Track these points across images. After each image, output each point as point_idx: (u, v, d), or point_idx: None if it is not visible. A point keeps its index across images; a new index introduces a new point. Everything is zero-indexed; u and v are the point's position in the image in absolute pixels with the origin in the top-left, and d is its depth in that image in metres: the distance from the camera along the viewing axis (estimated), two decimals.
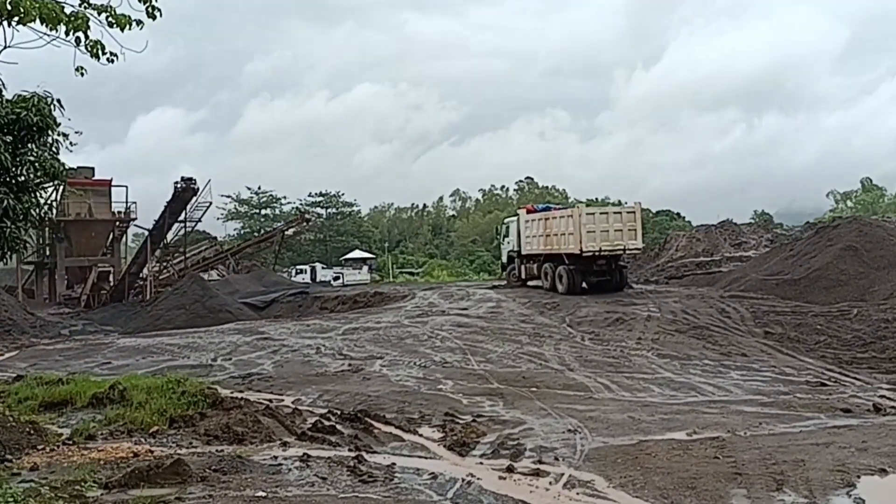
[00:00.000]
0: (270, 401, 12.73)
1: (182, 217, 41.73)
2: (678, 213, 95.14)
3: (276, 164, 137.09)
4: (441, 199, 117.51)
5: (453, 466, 8.55)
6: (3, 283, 46.70)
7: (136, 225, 45.40)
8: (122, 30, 12.15)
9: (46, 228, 45.57)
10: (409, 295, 31.14)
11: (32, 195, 9.88)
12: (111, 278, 43.77)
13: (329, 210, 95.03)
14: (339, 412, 11.40)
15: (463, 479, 7.91)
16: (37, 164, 9.94)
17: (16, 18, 10.92)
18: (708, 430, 9.68)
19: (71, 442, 10.02)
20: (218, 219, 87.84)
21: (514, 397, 12.38)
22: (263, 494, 7.37)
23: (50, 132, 10.07)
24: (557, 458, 8.67)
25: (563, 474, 8.05)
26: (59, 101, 10.02)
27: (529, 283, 31.55)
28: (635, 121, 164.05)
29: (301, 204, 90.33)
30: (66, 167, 10.31)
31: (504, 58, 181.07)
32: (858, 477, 7.38)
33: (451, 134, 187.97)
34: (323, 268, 65.56)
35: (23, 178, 9.80)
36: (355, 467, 8.35)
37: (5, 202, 9.03)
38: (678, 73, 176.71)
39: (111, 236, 45.79)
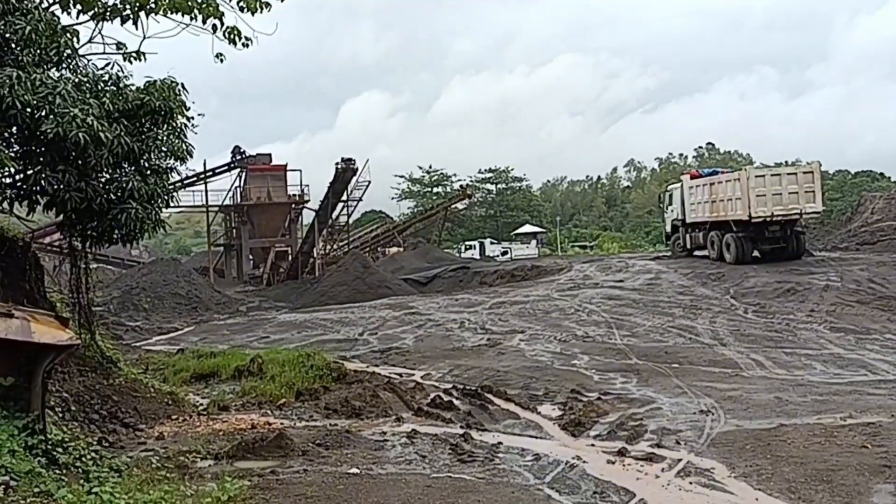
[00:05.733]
0: (400, 375, 12.72)
1: (344, 197, 43.31)
2: (881, 174, 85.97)
3: (468, 141, 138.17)
4: (615, 170, 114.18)
5: (562, 448, 7.99)
6: (200, 264, 51.04)
7: (308, 208, 47.78)
8: (252, 14, 12.41)
9: (233, 212, 49.20)
10: (566, 268, 30.34)
11: (160, 177, 10.28)
12: (288, 257, 46.42)
13: (499, 185, 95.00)
14: (461, 387, 11.13)
15: (567, 462, 7.34)
16: (164, 148, 10.34)
17: (149, 7, 11.48)
18: (866, 414, 8.40)
19: (204, 412, 10.51)
20: (392, 198, 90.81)
21: (649, 374, 11.51)
22: (357, 471, 7.22)
23: (177, 115, 10.42)
24: (679, 442, 7.85)
25: (679, 460, 7.25)
26: (183, 85, 10.37)
27: (696, 252, 29.63)
28: (853, 72, 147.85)
29: (471, 180, 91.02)
30: (192, 148, 10.64)
31: (712, 16, 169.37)
32: None
33: (646, 101, 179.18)
34: (492, 243, 65.59)
35: (150, 161, 10.23)
36: (458, 445, 8.03)
37: (130, 184, 9.43)
38: None
39: (288, 218, 48.50)
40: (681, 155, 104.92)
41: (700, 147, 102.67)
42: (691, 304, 18.78)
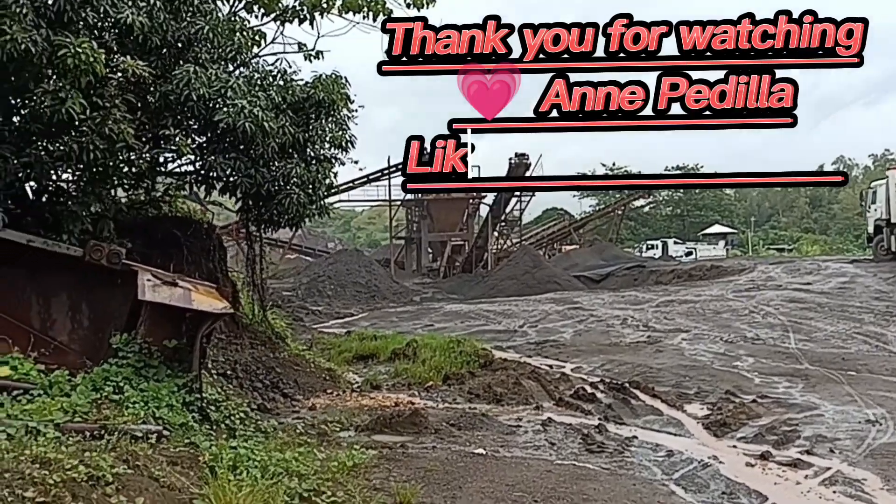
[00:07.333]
0: (550, 367, 12.66)
1: (518, 192, 43.45)
2: None
3: (661, 138, 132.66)
4: (821, 167, 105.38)
5: (700, 447, 7.61)
6: (383, 256, 53.44)
7: (485, 203, 48.48)
8: (418, 9, 12.88)
9: (414, 207, 51.03)
10: (749, 268, 28.58)
11: (321, 165, 10.93)
12: (464, 251, 47.44)
13: None
14: (608, 381, 10.89)
15: (701, 461, 6.99)
16: (327, 138, 10.97)
17: (322, 7, 12.24)
18: None
19: (357, 389, 11.09)
20: (574, 196, 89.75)
21: (818, 380, 10.60)
22: (483, 452, 7.32)
23: (340, 107, 11.03)
24: (833, 451, 7.20)
25: (828, 468, 6.66)
26: (346, 78, 10.96)
27: None
28: None
29: None
30: (354, 139, 11.19)
31: None
32: None
33: (866, 93, 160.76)
34: (676, 243, 62.99)
35: (314, 150, 10.90)
36: (589, 436, 7.90)
37: (294, 170, 10.11)
38: None
39: (466, 213, 49.52)
40: None
41: None
42: (886, 311, 17.03)
